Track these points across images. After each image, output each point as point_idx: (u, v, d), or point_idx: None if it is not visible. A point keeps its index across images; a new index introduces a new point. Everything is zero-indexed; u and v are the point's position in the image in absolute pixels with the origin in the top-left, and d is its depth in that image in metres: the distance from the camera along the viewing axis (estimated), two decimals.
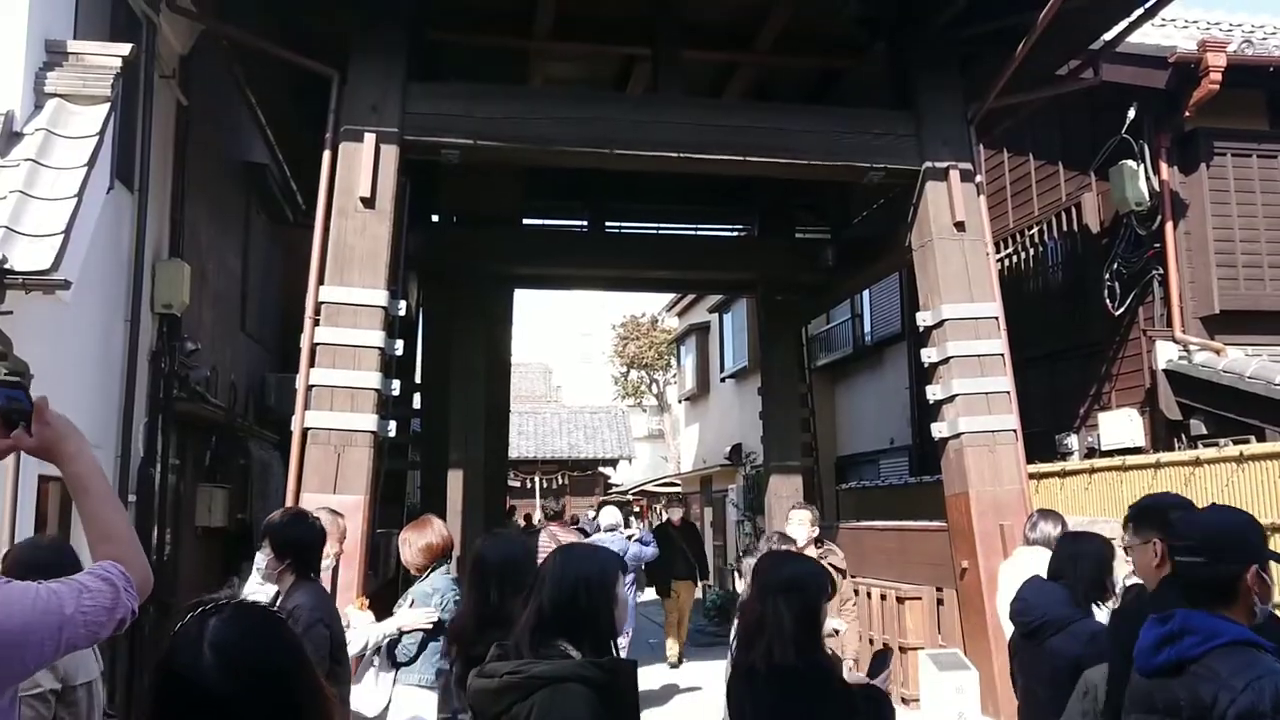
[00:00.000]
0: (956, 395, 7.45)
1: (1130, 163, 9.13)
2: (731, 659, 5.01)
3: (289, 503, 6.48)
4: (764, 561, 3.36)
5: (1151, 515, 3.10)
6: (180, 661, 1.46)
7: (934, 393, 7.70)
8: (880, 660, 3.37)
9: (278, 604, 3.64)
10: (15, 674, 1.70)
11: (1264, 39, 10.06)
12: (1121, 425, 9.31)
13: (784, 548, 4.97)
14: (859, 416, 16.14)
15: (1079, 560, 3.77)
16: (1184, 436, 8.85)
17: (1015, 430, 7.46)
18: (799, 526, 6.53)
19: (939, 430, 7.62)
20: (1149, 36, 9.13)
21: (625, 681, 2.44)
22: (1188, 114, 8.86)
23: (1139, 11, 7.65)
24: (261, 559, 4.00)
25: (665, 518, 11.27)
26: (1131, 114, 9.28)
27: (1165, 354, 9.04)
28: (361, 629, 4.79)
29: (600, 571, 2.53)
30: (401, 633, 4.77)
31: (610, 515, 9.21)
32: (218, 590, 1.97)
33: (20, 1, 5.63)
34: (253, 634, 1.51)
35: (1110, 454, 9.10)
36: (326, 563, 4.71)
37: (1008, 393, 7.50)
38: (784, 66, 9.85)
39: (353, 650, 4.68)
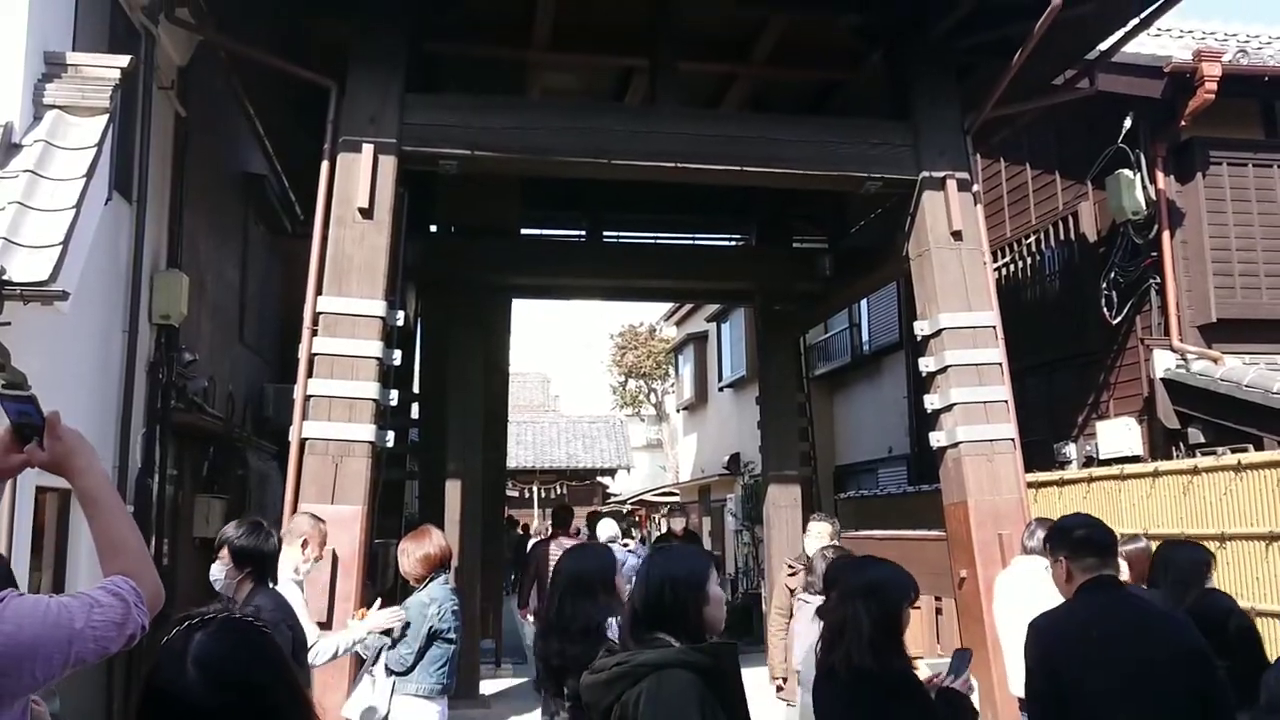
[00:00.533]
0: (954, 404, 7.45)
1: (1126, 172, 9.15)
2: None
3: (287, 513, 6.47)
4: (847, 565, 3.39)
5: (1059, 536, 3.37)
6: (164, 677, 1.47)
7: (932, 402, 7.71)
8: (960, 658, 3.37)
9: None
10: (25, 686, 1.71)
11: (1259, 49, 10.11)
12: (1119, 434, 9.32)
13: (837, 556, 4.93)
14: (857, 426, 16.15)
15: (1169, 567, 3.91)
16: (1182, 445, 8.85)
17: (1013, 439, 7.46)
18: (816, 540, 6.45)
19: (937, 439, 7.62)
20: (1144, 46, 9.17)
21: (728, 663, 2.54)
22: (1184, 123, 8.89)
23: (1134, 22, 7.68)
24: (219, 569, 3.99)
25: (667, 527, 11.26)
26: (1128, 123, 9.31)
27: (1163, 363, 9.05)
28: (333, 635, 4.82)
29: (688, 571, 2.67)
30: (393, 640, 4.79)
31: (608, 527, 9.26)
32: (211, 601, 1.96)
33: (19, 13, 5.64)
34: (237, 649, 1.51)
35: (1108, 463, 9.10)
36: (306, 566, 4.72)
37: (1005, 402, 7.50)
38: (781, 77, 9.88)
39: (323, 658, 4.67)
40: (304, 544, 4.71)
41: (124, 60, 6.12)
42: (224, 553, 3.97)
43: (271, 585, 4.04)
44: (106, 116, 5.87)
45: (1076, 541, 3.27)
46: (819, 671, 3.15)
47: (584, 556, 3.63)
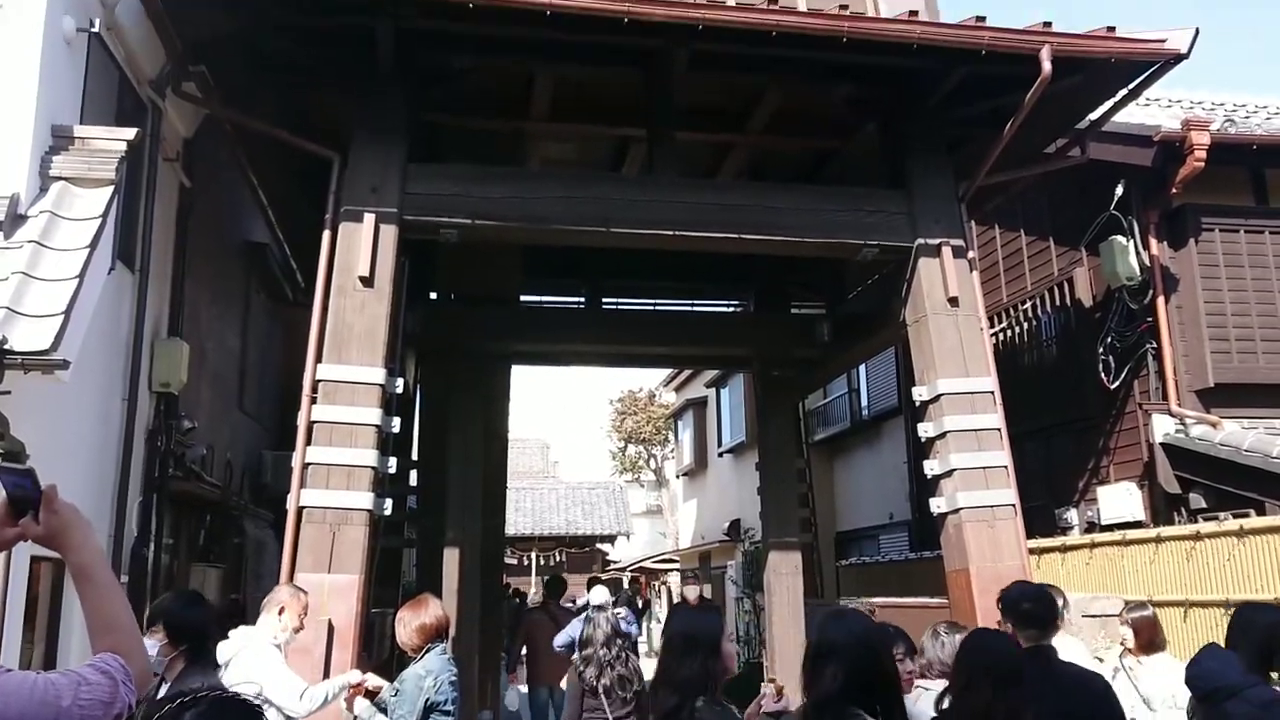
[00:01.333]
0: (954, 470, 7.43)
1: (1120, 238, 9.25)
2: None
3: (283, 582, 6.41)
4: (983, 645, 3.23)
5: (1009, 604, 3.94)
6: None
7: (932, 467, 7.68)
8: None
9: (164, 691, 3.38)
10: None
11: (1246, 118, 10.29)
12: (1121, 499, 9.28)
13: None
14: (858, 491, 16.07)
15: (1249, 629, 3.93)
16: (1184, 510, 8.81)
17: (1014, 505, 7.43)
18: None
19: (938, 505, 7.58)
20: (1134, 116, 9.33)
21: None
22: (1175, 191, 9.00)
23: (1123, 92, 7.82)
24: (151, 645, 3.74)
25: (680, 596, 10.75)
26: (1119, 190, 9.43)
27: (1162, 427, 9.05)
28: (323, 683, 4.81)
29: (880, 639, 2.62)
30: (388, 710, 4.75)
31: (601, 594, 9.23)
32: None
33: (29, 88, 5.76)
34: None
35: (1110, 528, 9.05)
36: (285, 635, 4.68)
37: (1005, 467, 7.48)
38: (777, 147, 10.02)
39: (315, 704, 4.61)
40: (280, 611, 4.68)
41: (130, 133, 6.24)
42: (158, 627, 3.69)
43: (205, 663, 3.80)
44: (112, 188, 5.95)
45: (1022, 614, 3.83)
46: None
47: (694, 618, 3.76)
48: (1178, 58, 7.15)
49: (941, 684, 3.72)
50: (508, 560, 22.12)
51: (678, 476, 28.65)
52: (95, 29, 6.38)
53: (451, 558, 9.67)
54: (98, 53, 6.59)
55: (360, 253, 6.98)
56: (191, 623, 3.71)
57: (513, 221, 7.43)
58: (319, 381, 6.80)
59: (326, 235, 7.14)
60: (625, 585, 28.19)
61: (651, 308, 12.85)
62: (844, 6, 7.09)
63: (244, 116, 7.73)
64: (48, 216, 5.58)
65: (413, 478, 10.86)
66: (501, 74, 8.37)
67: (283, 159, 8.86)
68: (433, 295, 11.11)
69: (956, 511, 7.37)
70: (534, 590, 27.60)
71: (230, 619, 8.16)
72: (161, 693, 3.36)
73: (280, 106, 8.14)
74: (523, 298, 11.69)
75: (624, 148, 9.94)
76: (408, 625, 4.88)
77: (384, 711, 4.83)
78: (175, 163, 7.91)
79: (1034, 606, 3.84)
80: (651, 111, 8.30)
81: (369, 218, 7.05)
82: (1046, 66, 6.87)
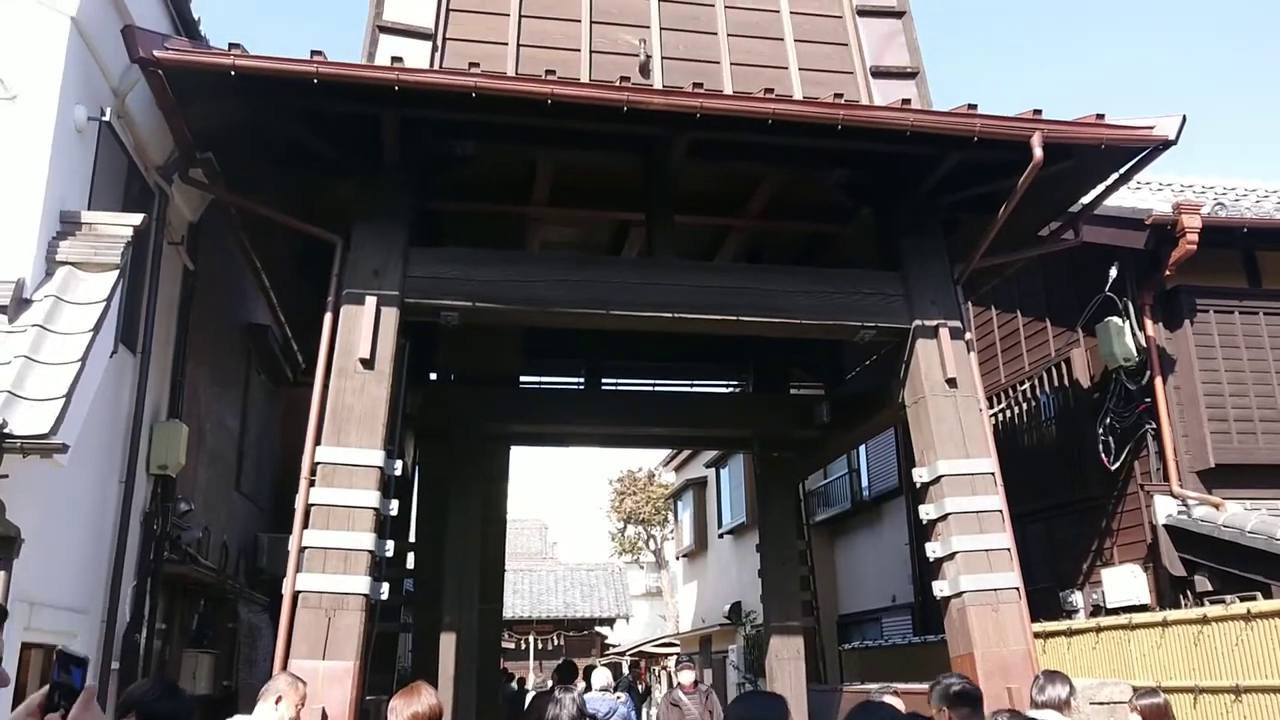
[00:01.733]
0: (956, 552, 7.35)
1: (1116, 319, 9.31)
2: None
3: (277, 669, 6.30)
4: None
5: (941, 692, 4.17)
6: None
7: (934, 550, 7.61)
8: None
9: None
10: None
11: (1236, 201, 10.45)
12: (1125, 582, 9.18)
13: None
14: (860, 573, 15.91)
15: None
16: (1189, 593, 8.71)
17: (1018, 588, 7.33)
18: None
19: (940, 589, 7.49)
20: (1126, 200, 9.48)
21: None
22: (1168, 272, 9.09)
23: (1114, 176, 7.95)
24: None
25: (676, 682, 9.90)
26: (1114, 272, 9.53)
27: (1164, 509, 9.00)
28: None
29: None
30: None
31: (603, 676, 9.06)
32: None
33: (39, 175, 5.86)
34: None
35: (1116, 611, 8.94)
36: None
37: (1008, 549, 7.40)
38: (775, 230, 10.15)
39: None
40: (278, 700, 4.62)
41: (137, 219, 6.33)
42: (131, 718, 3.43)
43: None
44: (116, 272, 6.02)
45: (953, 696, 4.10)
46: None
47: (757, 704, 3.64)
48: (1166, 144, 7.30)
49: None
50: (505, 644, 21.78)
51: (678, 558, 28.36)
52: (106, 118, 6.51)
53: (448, 643, 9.52)
54: (107, 140, 6.72)
55: (361, 335, 7.03)
56: (166, 714, 3.48)
57: (513, 304, 7.49)
58: (318, 464, 6.78)
59: (328, 317, 7.19)
60: (625, 670, 27.72)
61: (650, 388, 12.88)
62: (839, 95, 7.26)
63: (249, 202, 7.84)
64: (52, 301, 5.63)
65: (410, 560, 10.75)
66: (504, 160, 8.52)
67: (285, 242, 8.97)
68: (433, 376, 11.14)
69: (959, 595, 7.28)
70: (532, 675, 27.13)
71: (225, 706, 8.02)
72: None
73: (285, 191, 8.27)
74: (522, 379, 11.72)
75: (624, 231, 10.07)
76: (400, 715, 4.77)
77: None
78: (180, 246, 8.00)
79: (962, 687, 4.13)
80: (651, 196, 8.43)
81: (370, 300, 7.11)
82: (1038, 152, 7.01)
